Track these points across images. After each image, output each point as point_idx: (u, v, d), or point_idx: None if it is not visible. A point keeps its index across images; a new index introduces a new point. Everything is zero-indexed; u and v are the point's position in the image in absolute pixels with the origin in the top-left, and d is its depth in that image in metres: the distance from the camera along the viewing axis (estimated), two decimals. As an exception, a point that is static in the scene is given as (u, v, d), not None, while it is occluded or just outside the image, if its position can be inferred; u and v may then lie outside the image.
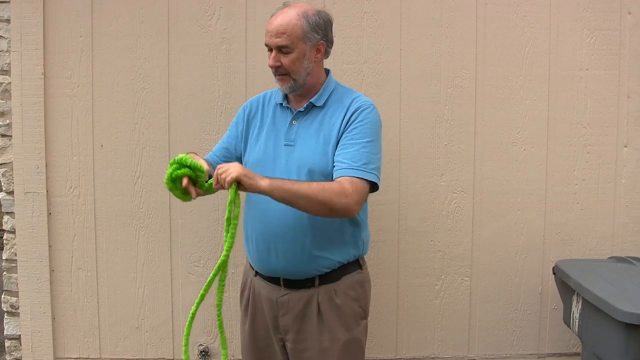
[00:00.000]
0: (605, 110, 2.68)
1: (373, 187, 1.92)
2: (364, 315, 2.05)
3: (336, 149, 1.91)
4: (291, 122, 1.99)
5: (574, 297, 2.34)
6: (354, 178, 1.85)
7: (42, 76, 2.61)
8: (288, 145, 1.96)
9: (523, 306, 2.74)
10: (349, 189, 1.82)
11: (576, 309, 2.33)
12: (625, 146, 2.70)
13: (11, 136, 2.64)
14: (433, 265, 2.70)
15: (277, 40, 1.89)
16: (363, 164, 1.86)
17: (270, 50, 1.93)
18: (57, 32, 2.61)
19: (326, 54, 2.02)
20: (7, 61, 2.62)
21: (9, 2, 2.59)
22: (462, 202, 2.68)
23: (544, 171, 2.69)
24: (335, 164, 1.89)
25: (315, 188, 1.80)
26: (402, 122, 2.65)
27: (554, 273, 2.53)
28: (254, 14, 2.61)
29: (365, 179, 1.87)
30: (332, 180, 1.88)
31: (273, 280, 2.01)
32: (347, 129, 1.91)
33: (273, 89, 2.08)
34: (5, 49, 2.63)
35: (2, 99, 2.65)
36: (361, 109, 1.93)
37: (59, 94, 2.63)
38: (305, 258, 1.93)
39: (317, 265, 1.95)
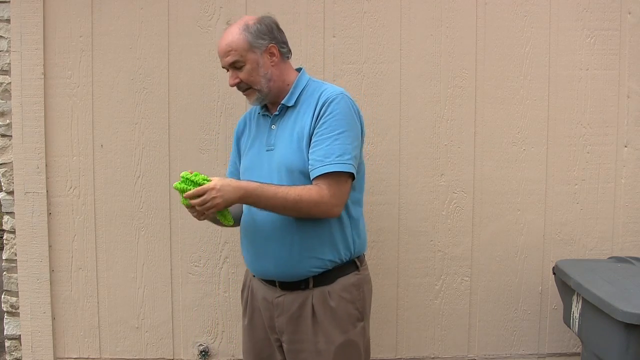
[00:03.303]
0: (605, 110, 2.68)
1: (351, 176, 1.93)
2: (361, 317, 2.01)
3: (310, 145, 1.90)
4: (270, 127, 2.02)
5: (574, 297, 2.34)
6: (329, 176, 1.85)
7: (42, 76, 2.61)
8: (269, 150, 1.99)
9: (523, 306, 2.74)
10: (326, 195, 1.84)
11: (576, 309, 2.33)
12: (625, 146, 2.70)
13: (11, 136, 2.64)
14: (433, 265, 2.70)
15: (227, 59, 1.94)
16: (337, 157, 1.85)
17: (227, 71, 1.99)
18: (57, 32, 2.61)
19: (284, 55, 2.02)
20: (7, 61, 2.62)
21: (9, 2, 2.59)
22: (462, 202, 2.68)
23: (544, 171, 2.69)
24: (309, 162, 1.89)
25: (291, 200, 1.83)
26: (402, 122, 2.65)
27: (554, 273, 2.53)
28: (254, 14, 2.60)
29: (342, 171, 1.86)
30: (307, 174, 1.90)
31: (269, 281, 2.02)
32: (317, 124, 1.90)
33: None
34: (5, 49, 2.63)
35: (2, 99, 2.65)
36: (329, 101, 1.91)
37: (59, 94, 2.63)
38: (295, 259, 1.93)
39: (308, 265, 1.94)
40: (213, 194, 1.77)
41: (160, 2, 2.62)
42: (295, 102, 1.99)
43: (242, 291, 2.18)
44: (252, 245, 1.99)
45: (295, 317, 1.97)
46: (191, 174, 1.80)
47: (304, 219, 1.90)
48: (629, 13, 2.65)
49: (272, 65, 1.97)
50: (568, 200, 2.70)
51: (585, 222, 2.71)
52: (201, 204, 1.77)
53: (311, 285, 1.95)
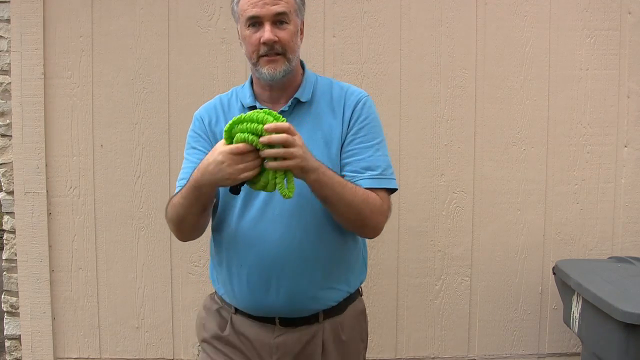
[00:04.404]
0: (605, 110, 2.68)
1: None
2: (365, 346, 1.82)
3: (341, 152, 1.61)
4: None
5: (574, 297, 2.34)
6: (381, 192, 1.58)
7: (42, 76, 2.61)
8: None
9: (523, 306, 2.73)
10: (384, 207, 1.58)
11: (576, 309, 2.33)
12: (625, 146, 2.70)
13: (11, 136, 2.64)
14: (433, 265, 2.70)
15: (275, 7, 1.54)
16: (383, 171, 1.60)
17: (254, 25, 1.56)
18: (57, 32, 2.61)
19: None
20: (7, 61, 2.62)
21: (9, 2, 2.59)
22: (462, 202, 2.68)
23: (544, 171, 2.69)
24: (348, 173, 1.58)
25: (360, 197, 1.51)
26: (402, 122, 2.65)
27: (554, 273, 2.53)
28: (254, 14, 2.61)
29: (391, 188, 1.62)
30: None
31: (265, 319, 1.65)
32: (351, 129, 1.61)
33: (226, 91, 1.76)
34: (5, 49, 2.63)
35: (2, 99, 2.65)
36: (361, 102, 1.64)
37: (59, 94, 2.63)
38: (314, 292, 1.60)
39: (326, 299, 1.63)
40: (298, 141, 1.36)
41: (160, 2, 2.62)
42: (310, 98, 1.64)
43: (219, 336, 1.70)
44: (257, 276, 1.59)
45: (300, 357, 1.65)
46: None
47: (327, 242, 1.59)
48: (629, 13, 2.65)
49: (299, 46, 1.64)
50: (568, 200, 2.70)
51: (585, 222, 2.71)
52: (287, 144, 1.34)
53: (321, 318, 1.64)
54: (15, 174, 2.64)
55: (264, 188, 1.41)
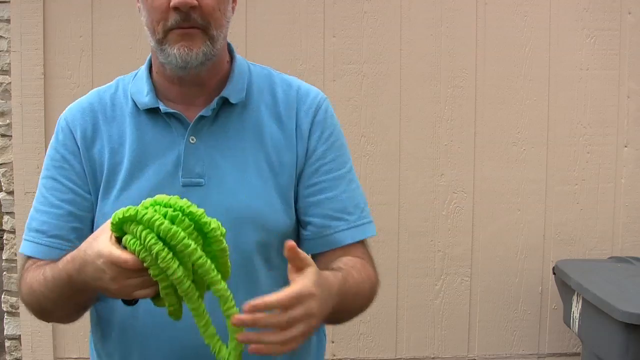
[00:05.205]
0: (605, 110, 2.68)
1: None
2: None
3: (299, 183, 1.10)
4: (188, 139, 1.07)
5: (574, 297, 2.34)
6: (364, 242, 1.14)
7: (42, 76, 2.61)
8: (194, 185, 1.05)
9: (523, 306, 2.73)
10: (377, 280, 1.14)
11: (576, 309, 2.33)
12: (625, 146, 2.70)
13: (11, 136, 2.64)
14: (433, 265, 2.70)
15: None
16: (362, 212, 1.14)
17: None
18: (57, 32, 2.61)
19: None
20: (7, 61, 2.62)
21: (9, 2, 2.60)
22: (462, 202, 2.68)
23: (544, 171, 2.69)
24: (317, 220, 1.10)
25: (366, 291, 1.07)
26: (402, 122, 2.65)
27: (554, 273, 2.53)
28: (254, 14, 2.61)
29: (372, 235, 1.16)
30: (293, 238, 1.10)
31: None
32: (314, 151, 1.10)
33: (108, 84, 1.26)
34: (5, 49, 2.63)
35: (2, 99, 2.65)
36: (322, 109, 1.13)
37: (59, 94, 2.63)
38: None
39: None
40: (311, 305, 0.84)
41: (160, 2, 2.62)
42: (245, 98, 1.10)
43: None
44: None
45: None
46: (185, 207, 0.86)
47: None
48: (629, 13, 2.65)
49: (229, 20, 1.09)
50: (568, 200, 2.70)
51: (585, 222, 2.71)
52: (290, 324, 0.82)
53: None
54: (15, 174, 2.64)
55: (174, 313, 0.90)
